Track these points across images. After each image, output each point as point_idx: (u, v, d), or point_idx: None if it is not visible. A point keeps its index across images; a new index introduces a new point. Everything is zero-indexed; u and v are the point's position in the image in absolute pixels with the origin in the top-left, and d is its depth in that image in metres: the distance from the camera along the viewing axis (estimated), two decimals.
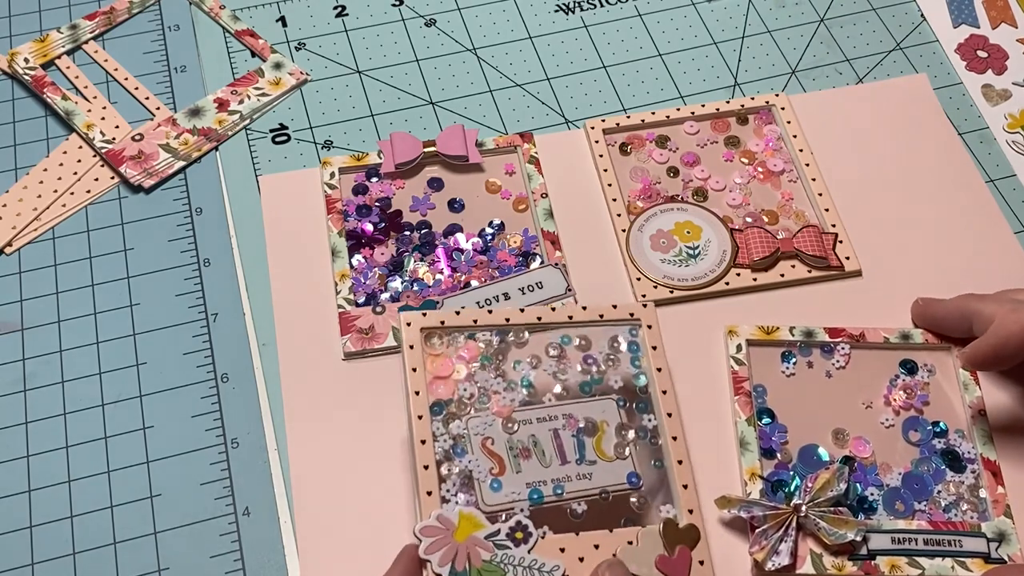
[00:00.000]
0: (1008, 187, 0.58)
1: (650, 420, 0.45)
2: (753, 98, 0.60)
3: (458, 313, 0.45)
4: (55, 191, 0.56)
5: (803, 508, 0.44)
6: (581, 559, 0.41)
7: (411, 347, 0.44)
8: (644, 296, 0.52)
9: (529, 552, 0.40)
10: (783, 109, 0.59)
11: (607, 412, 0.44)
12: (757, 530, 0.44)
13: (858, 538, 0.44)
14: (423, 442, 0.42)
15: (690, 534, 0.42)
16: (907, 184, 0.57)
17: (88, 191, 0.56)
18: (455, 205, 0.55)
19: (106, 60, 0.61)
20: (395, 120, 0.59)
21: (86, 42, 0.62)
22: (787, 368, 0.50)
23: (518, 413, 0.44)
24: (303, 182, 0.56)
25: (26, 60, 0.60)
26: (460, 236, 0.54)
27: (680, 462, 0.43)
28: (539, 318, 0.45)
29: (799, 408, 0.49)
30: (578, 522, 0.42)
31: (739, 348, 0.50)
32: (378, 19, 0.64)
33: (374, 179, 0.56)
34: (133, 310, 0.52)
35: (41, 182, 0.56)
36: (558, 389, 0.45)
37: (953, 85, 0.62)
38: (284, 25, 0.63)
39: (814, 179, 0.56)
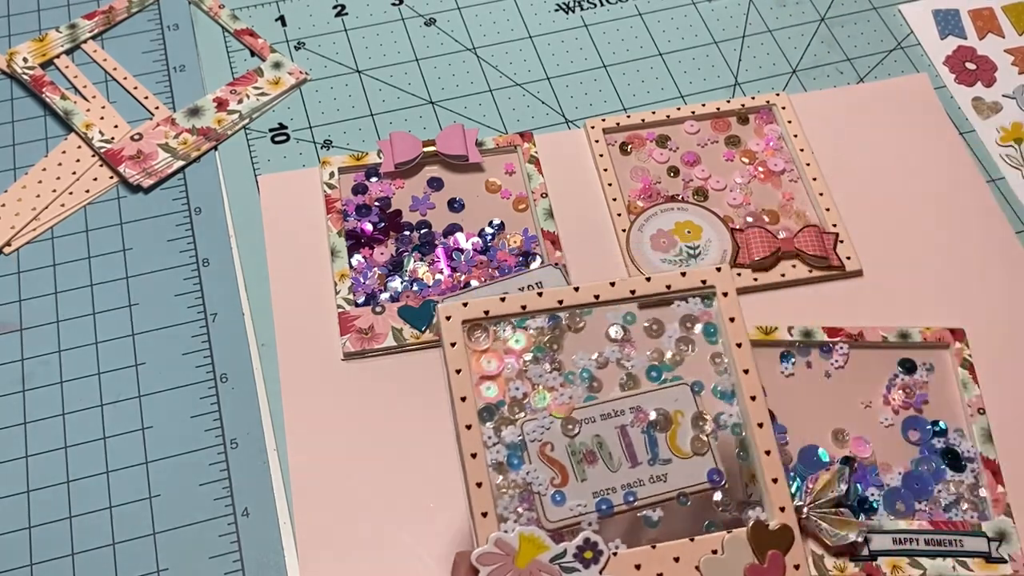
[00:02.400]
0: (1008, 187, 0.58)
1: (732, 406, 0.39)
2: (754, 98, 0.60)
3: (503, 299, 0.39)
4: (54, 191, 0.56)
5: (804, 510, 0.44)
6: (660, 575, 0.36)
7: (453, 344, 0.38)
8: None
9: (601, 572, 0.36)
10: (784, 109, 0.59)
11: (681, 400, 0.39)
12: None
13: (859, 539, 0.44)
14: (474, 456, 0.37)
15: (783, 536, 0.37)
16: (908, 184, 0.57)
17: (87, 191, 0.56)
18: (455, 205, 0.55)
19: (105, 59, 0.61)
20: (395, 120, 0.59)
21: (85, 41, 0.62)
22: (786, 368, 0.50)
23: (579, 411, 0.39)
24: (302, 182, 0.56)
25: (25, 60, 0.60)
26: (460, 236, 0.54)
27: (768, 452, 0.38)
28: (597, 296, 0.39)
29: (798, 409, 0.49)
30: (654, 532, 0.38)
31: None
32: (378, 18, 0.64)
33: (374, 179, 0.56)
34: (132, 310, 0.52)
35: (40, 182, 0.56)
36: (624, 379, 0.40)
37: (949, 99, 0.62)
38: (283, 24, 0.63)
39: (815, 179, 0.56)
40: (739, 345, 0.39)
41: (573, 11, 0.65)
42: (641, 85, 0.61)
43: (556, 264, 0.53)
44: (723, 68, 0.62)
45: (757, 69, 0.62)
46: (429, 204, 0.55)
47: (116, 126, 0.58)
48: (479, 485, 0.36)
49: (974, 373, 0.50)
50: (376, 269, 0.53)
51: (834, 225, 0.55)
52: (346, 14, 0.64)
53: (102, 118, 0.58)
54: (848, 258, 0.54)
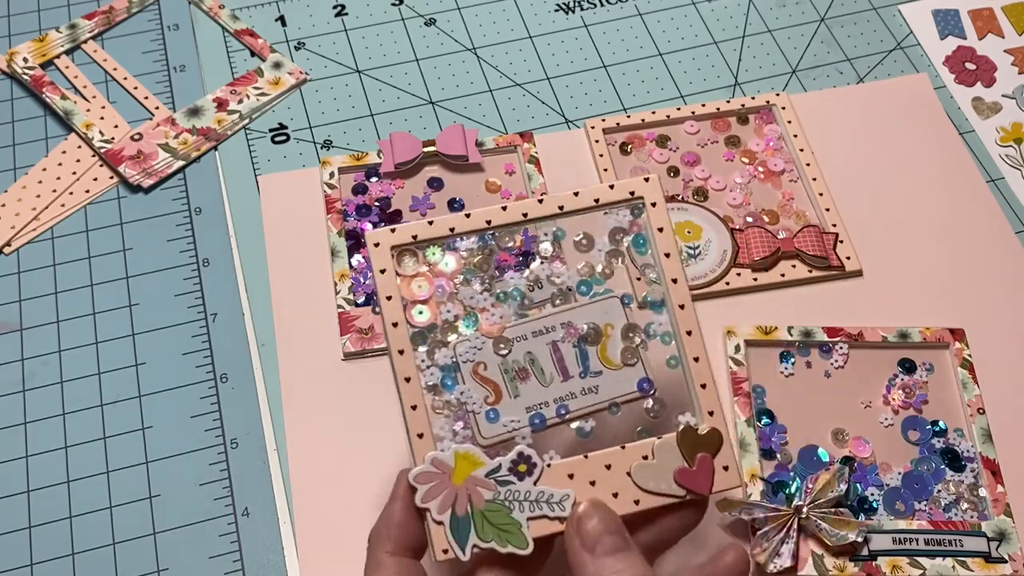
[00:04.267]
0: (1007, 187, 0.58)
1: (661, 315, 0.39)
2: (754, 98, 0.60)
3: (431, 223, 0.39)
4: (54, 191, 0.56)
5: (804, 509, 0.44)
6: (592, 483, 0.36)
7: (382, 271, 0.38)
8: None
9: (535, 484, 0.36)
10: (784, 109, 0.59)
11: (611, 313, 0.39)
12: (758, 532, 0.44)
13: (859, 539, 0.44)
14: (407, 380, 0.37)
15: (712, 440, 0.37)
16: (908, 184, 0.57)
17: (87, 191, 0.56)
18: (455, 205, 0.55)
19: (105, 59, 0.61)
20: (395, 120, 0.59)
21: (85, 41, 0.62)
22: (786, 368, 0.50)
23: (511, 329, 0.39)
24: (302, 182, 0.56)
25: (25, 60, 0.60)
26: None
27: (697, 359, 0.38)
28: (525, 214, 0.39)
29: (798, 408, 0.49)
30: (587, 442, 0.38)
31: (737, 348, 0.50)
32: (378, 18, 0.64)
33: (374, 179, 0.56)
34: (132, 310, 0.52)
35: (40, 182, 0.56)
36: (554, 295, 0.40)
37: (949, 99, 0.62)
38: (283, 24, 0.63)
39: (815, 179, 0.56)
40: (667, 255, 0.39)
41: (573, 11, 0.65)
42: (641, 85, 0.61)
43: None
44: (723, 68, 0.62)
45: (757, 69, 0.62)
46: (429, 204, 0.55)
47: (116, 126, 0.58)
48: (414, 408, 0.37)
49: (974, 373, 0.50)
50: None
51: (834, 225, 0.55)
52: (346, 14, 0.64)
53: (102, 118, 0.58)
54: (848, 258, 0.54)
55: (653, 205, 0.39)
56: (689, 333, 0.38)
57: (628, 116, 0.59)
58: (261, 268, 0.53)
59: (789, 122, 0.59)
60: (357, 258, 0.53)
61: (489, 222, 0.39)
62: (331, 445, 0.48)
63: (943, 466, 0.48)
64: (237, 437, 0.48)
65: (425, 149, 0.56)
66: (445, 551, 0.35)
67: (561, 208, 0.39)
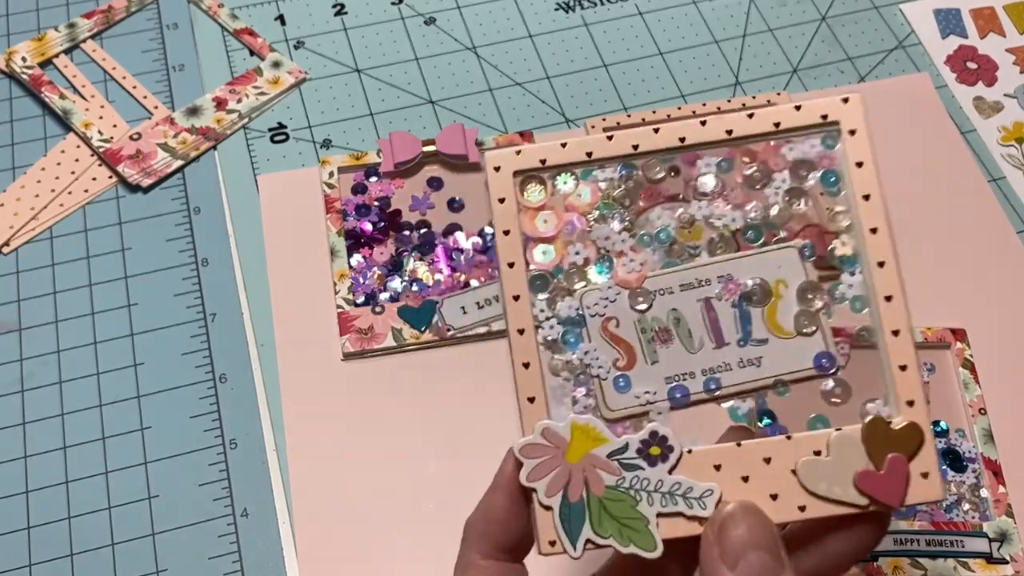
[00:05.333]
0: (1009, 186, 0.58)
1: (852, 275, 0.31)
2: (754, 97, 0.60)
3: (564, 145, 0.32)
4: (53, 190, 0.56)
5: None
6: (745, 478, 0.29)
7: (501, 200, 0.31)
8: None
9: (670, 473, 0.29)
10: None
11: (786, 268, 0.32)
12: None
13: None
14: (521, 332, 0.30)
15: (908, 437, 0.29)
16: (908, 183, 0.57)
17: (86, 190, 0.56)
18: (454, 204, 0.55)
19: (104, 59, 0.61)
20: (394, 119, 0.59)
21: (84, 41, 0.62)
22: None
23: (653, 280, 0.32)
24: (302, 181, 0.56)
25: (24, 59, 0.60)
26: (460, 235, 0.54)
27: (896, 332, 0.30)
28: (682, 139, 0.32)
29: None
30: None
31: None
32: (377, 18, 0.64)
33: (373, 178, 0.56)
34: (131, 310, 0.52)
35: (39, 181, 0.56)
36: (712, 240, 0.32)
37: (950, 99, 0.62)
38: (283, 24, 0.63)
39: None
40: (866, 197, 0.32)
41: (573, 10, 0.65)
42: (642, 84, 0.61)
43: None
44: (723, 67, 0.62)
45: (758, 68, 0.62)
46: (429, 204, 0.55)
47: (115, 125, 0.58)
48: (526, 366, 0.30)
49: (975, 373, 0.50)
50: (376, 269, 0.53)
51: None
52: (345, 13, 0.64)
53: (101, 117, 0.58)
54: None
55: (852, 133, 0.32)
56: (889, 299, 0.31)
57: (628, 115, 0.59)
58: (260, 268, 0.53)
59: None
60: (356, 258, 0.53)
61: (636, 147, 0.32)
62: (330, 445, 0.47)
63: (944, 466, 0.47)
64: (236, 437, 0.48)
65: (425, 149, 0.56)
66: (552, 543, 0.29)
67: (729, 133, 0.32)
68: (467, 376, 0.50)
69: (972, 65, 0.63)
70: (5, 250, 0.54)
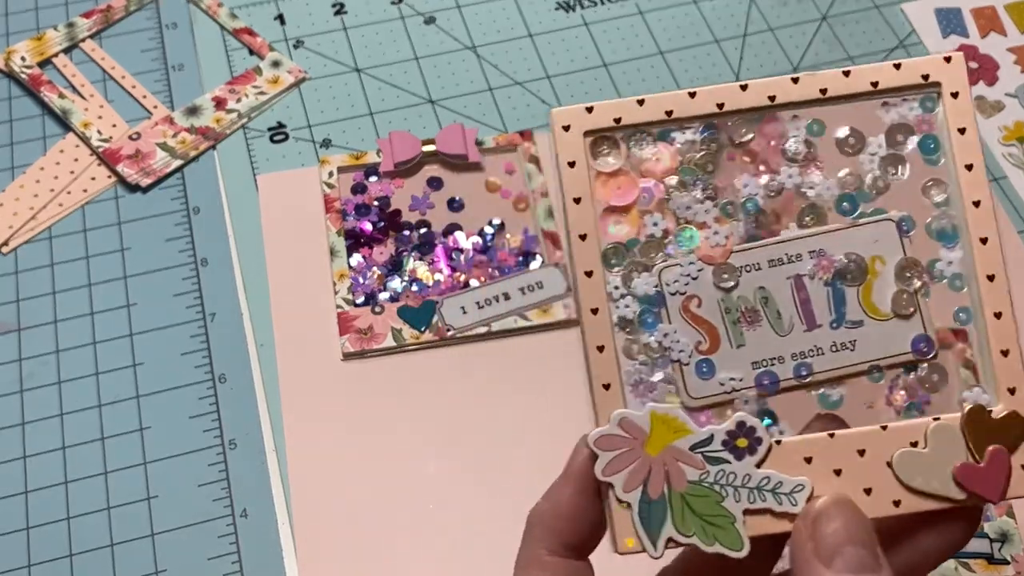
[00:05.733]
0: (1010, 186, 0.57)
1: (953, 251, 0.29)
2: None
3: (641, 102, 0.29)
4: (52, 190, 0.55)
5: None
6: (838, 472, 0.27)
7: (571, 164, 0.28)
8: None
9: (758, 467, 0.27)
10: None
11: (883, 243, 0.29)
12: None
13: None
14: (594, 311, 0.28)
15: (1010, 427, 0.28)
16: None
17: (85, 190, 0.56)
18: (454, 204, 0.55)
19: (103, 58, 0.61)
20: (394, 119, 0.59)
21: (83, 40, 0.61)
22: None
23: (739, 255, 0.29)
24: (301, 181, 0.56)
25: (23, 58, 0.60)
26: (460, 235, 0.54)
27: (999, 315, 0.29)
28: (772, 97, 0.29)
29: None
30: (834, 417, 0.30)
31: None
32: (377, 17, 0.64)
33: (373, 178, 0.56)
34: (130, 310, 0.51)
35: (38, 181, 0.56)
36: (803, 212, 0.29)
37: None
38: (282, 23, 0.63)
39: None
40: (969, 167, 0.29)
41: (573, 9, 0.65)
42: (642, 84, 0.61)
43: (557, 264, 0.52)
44: (724, 67, 0.62)
45: (759, 68, 0.62)
46: (428, 204, 0.55)
47: (114, 125, 0.58)
48: (600, 349, 0.28)
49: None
50: (375, 269, 0.52)
51: None
52: (345, 12, 0.64)
53: (100, 117, 0.58)
54: None
55: (954, 96, 0.29)
56: (991, 278, 0.29)
57: None
58: (260, 268, 0.53)
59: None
60: (356, 258, 0.53)
61: (721, 106, 0.29)
62: (330, 446, 0.47)
63: None
64: (236, 438, 0.48)
65: (424, 148, 0.56)
66: (631, 542, 0.27)
67: (823, 92, 0.29)
68: (467, 376, 0.49)
69: (973, 64, 0.63)
70: (4, 250, 0.54)
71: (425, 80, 0.61)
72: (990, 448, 0.28)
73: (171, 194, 0.56)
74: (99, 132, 0.57)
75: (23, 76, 0.59)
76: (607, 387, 0.28)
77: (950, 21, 0.65)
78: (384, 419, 0.48)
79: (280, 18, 0.63)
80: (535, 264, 0.53)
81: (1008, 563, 0.45)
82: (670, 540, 0.27)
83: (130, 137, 0.57)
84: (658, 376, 0.28)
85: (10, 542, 0.45)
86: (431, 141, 0.56)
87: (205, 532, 0.45)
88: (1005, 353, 0.29)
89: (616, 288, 0.28)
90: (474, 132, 0.57)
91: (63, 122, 0.58)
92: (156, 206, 0.55)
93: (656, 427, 0.27)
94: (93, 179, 0.56)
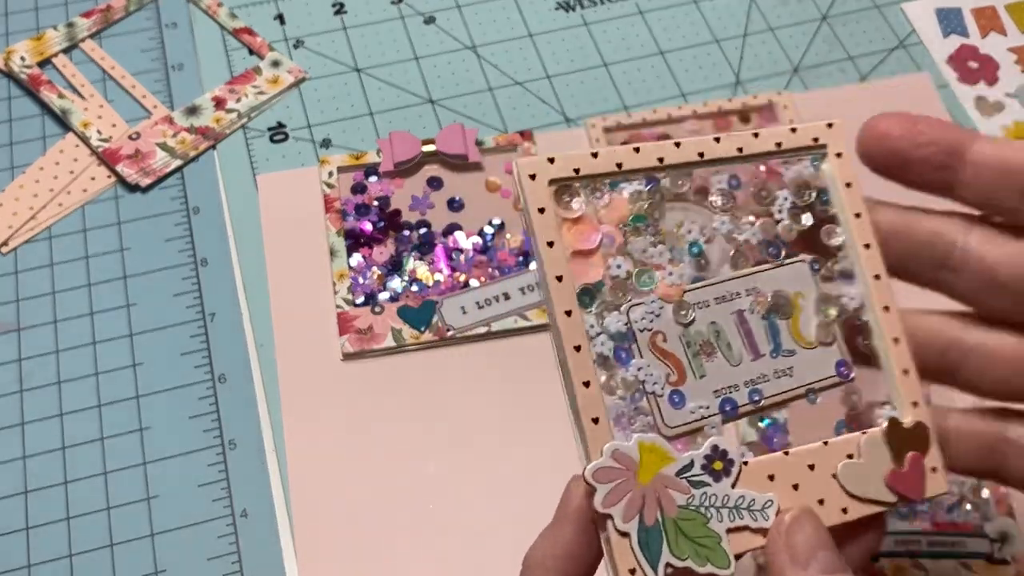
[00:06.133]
0: None
1: (852, 287, 0.33)
2: (756, 96, 0.60)
3: (595, 155, 0.31)
4: (51, 190, 0.55)
5: None
6: (795, 486, 0.29)
7: (541, 211, 0.30)
8: None
9: (733, 487, 0.29)
10: (786, 107, 0.59)
11: (800, 280, 0.33)
12: None
13: None
14: (578, 348, 0.29)
15: (918, 436, 0.31)
16: None
17: (84, 190, 0.56)
18: (454, 204, 0.55)
19: (103, 58, 0.61)
20: (394, 119, 0.59)
21: (83, 40, 0.61)
22: None
23: (691, 294, 0.31)
24: (301, 181, 0.56)
25: (22, 58, 0.60)
26: (460, 235, 0.54)
27: (896, 340, 0.32)
28: (701, 154, 0.32)
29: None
30: (781, 437, 0.34)
31: None
32: (377, 17, 0.64)
33: (373, 178, 0.56)
34: (130, 310, 0.51)
35: (37, 181, 0.56)
36: (735, 254, 0.33)
37: (952, 98, 0.62)
38: (282, 23, 0.63)
39: None
40: (857, 216, 0.33)
41: (573, 9, 0.65)
42: (642, 83, 0.61)
43: None
44: (724, 66, 0.62)
45: (759, 67, 0.62)
46: (428, 204, 0.55)
47: (114, 125, 0.58)
48: (587, 384, 0.29)
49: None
50: (375, 269, 0.52)
51: None
52: (345, 12, 0.64)
53: (100, 117, 0.58)
54: None
55: (838, 156, 0.33)
56: (886, 309, 0.32)
57: (629, 115, 0.58)
58: (259, 268, 0.53)
59: (791, 121, 0.58)
60: (356, 258, 0.53)
61: (661, 160, 0.31)
62: (330, 446, 0.47)
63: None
64: (235, 438, 0.48)
65: (424, 148, 0.56)
66: (632, 571, 0.27)
67: (740, 150, 0.33)
68: (467, 376, 0.49)
69: (973, 64, 0.63)
70: (4, 250, 0.53)
71: (425, 80, 0.61)
72: (908, 455, 0.31)
73: (171, 194, 0.56)
74: (99, 132, 0.57)
75: (23, 76, 0.59)
76: (596, 421, 0.29)
77: (950, 21, 0.65)
78: (384, 419, 0.48)
79: (280, 18, 0.63)
80: (535, 264, 0.53)
81: (1008, 563, 0.45)
82: (668, 565, 0.28)
83: (130, 137, 0.57)
84: (636, 408, 0.30)
85: (10, 542, 0.45)
86: (431, 141, 0.56)
87: (205, 532, 0.45)
88: (906, 372, 0.32)
89: (592, 326, 0.30)
90: (474, 132, 0.57)
91: (63, 122, 0.58)
92: (156, 206, 0.55)
93: (645, 456, 0.28)
94: (93, 179, 0.56)
